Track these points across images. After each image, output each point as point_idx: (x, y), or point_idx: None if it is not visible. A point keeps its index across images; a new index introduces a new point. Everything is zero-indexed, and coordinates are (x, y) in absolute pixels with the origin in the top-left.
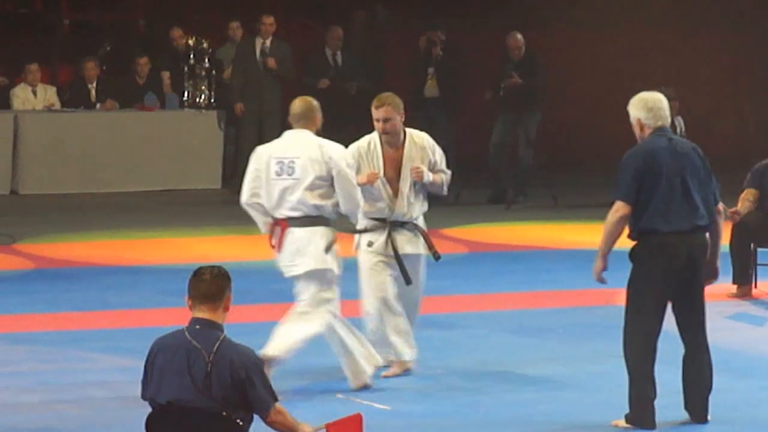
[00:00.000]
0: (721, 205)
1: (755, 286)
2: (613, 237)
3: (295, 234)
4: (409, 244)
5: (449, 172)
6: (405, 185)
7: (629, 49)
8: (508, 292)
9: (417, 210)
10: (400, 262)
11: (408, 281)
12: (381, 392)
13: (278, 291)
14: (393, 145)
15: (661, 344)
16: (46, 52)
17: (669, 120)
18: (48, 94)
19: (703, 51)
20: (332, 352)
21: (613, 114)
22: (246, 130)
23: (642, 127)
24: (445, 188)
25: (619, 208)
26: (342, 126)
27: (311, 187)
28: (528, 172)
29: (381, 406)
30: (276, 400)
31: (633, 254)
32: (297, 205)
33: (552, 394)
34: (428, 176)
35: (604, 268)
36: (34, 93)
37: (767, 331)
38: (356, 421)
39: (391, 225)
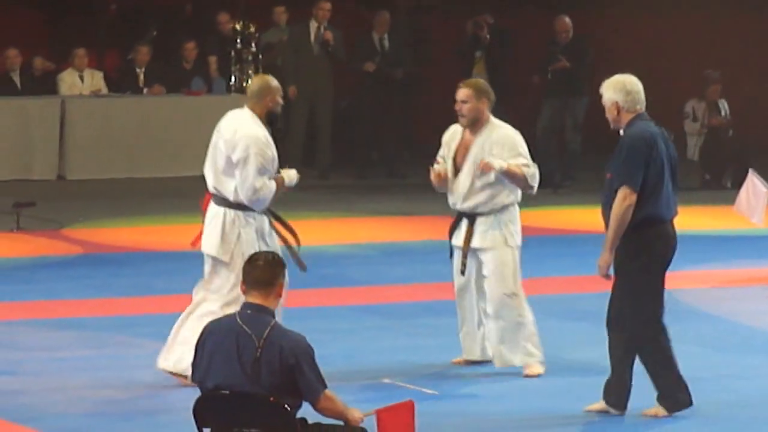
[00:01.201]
0: None
1: None
2: (623, 227)
3: (210, 210)
4: (479, 236)
5: (534, 167)
6: (465, 172)
7: (676, 32)
8: (557, 276)
9: (484, 199)
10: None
11: (461, 272)
12: (429, 377)
13: (326, 276)
14: (471, 130)
15: None
16: (93, 37)
17: (644, 104)
18: (95, 79)
19: (752, 35)
20: (383, 336)
21: (660, 97)
22: (297, 113)
23: (619, 111)
24: (532, 183)
25: (627, 196)
26: (389, 110)
27: (223, 169)
28: (575, 156)
29: (429, 391)
30: (325, 386)
31: (637, 240)
32: (212, 182)
33: (601, 379)
34: (500, 165)
35: (611, 262)
36: (81, 78)
37: None
38: (408, 407)
39: (462, 215)
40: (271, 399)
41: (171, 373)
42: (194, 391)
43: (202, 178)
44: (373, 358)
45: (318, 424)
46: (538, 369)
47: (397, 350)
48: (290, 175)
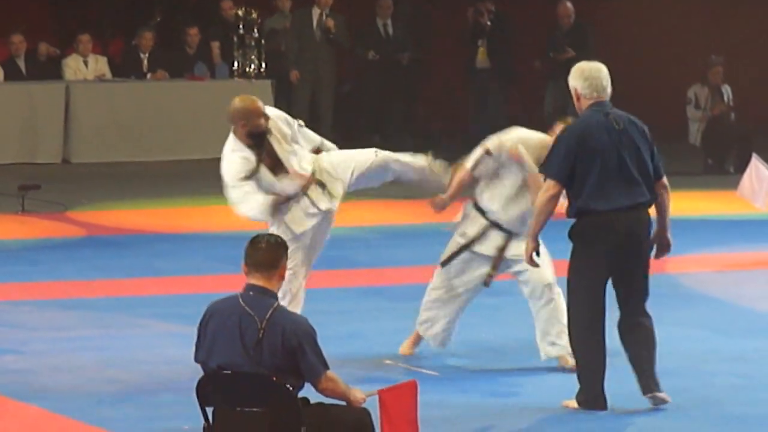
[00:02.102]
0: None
1: None
2: (544, 216)
3: None
4: (517, 245)
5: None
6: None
7: (679, 17)
8: (557, 259)
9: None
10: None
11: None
12: (430, 358)
13: (329, 258)
14: None
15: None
16: (97, 22)
17: (608, 91)
18: (99, 65)
19: (755, 20)
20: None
21: (662, 82)
22: (299, 98)
23: (579, 98)
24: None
25: (550, 188)
26: (393, 95)
27: None
28: None
29: (430, 372)
30: (327, 367)
31: (572, 233)
32: None
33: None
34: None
35: (535, 249)
36: (86, 63)
37: None
38: (411, 388)
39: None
40: (274, 379)
41: None
42: (197, 371)
43: (205, 161)
44: (375, 339)
45: (320, 404)
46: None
47: (400, 332)
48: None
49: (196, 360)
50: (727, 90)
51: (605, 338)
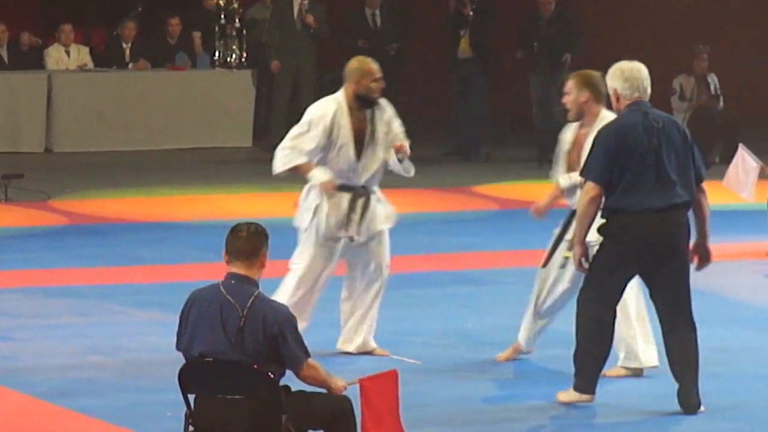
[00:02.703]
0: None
1: None
2: (587, 220)
3: None
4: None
5: None
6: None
7: (664, 5)
8: (537, 249)
9: None
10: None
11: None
12: (412, 347)
13: None
14: (582, 125)
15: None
16: (79, 12)
17: (648, 91)
18: (81, 54)
19: (741, 10)
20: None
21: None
22: (280, 88)
23: (618, 98)
24: None
25: (590, 190)
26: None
27: None
28: (559, 129)
29: (412, 361)
30: (308, 355)
31: (602, 230)
32: None
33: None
34: None
35: (583, 254)
36: (68, 53)
37: None
38: (392, 376)
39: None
40: (255, 367)
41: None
42: (179, 359)
43: (187, 151)
44: None
45: (301, 392)
46: None
47: (381, 320)
48: (317, 175)
49: (178, 348)
50: (713, 79)
51: (612, 332)
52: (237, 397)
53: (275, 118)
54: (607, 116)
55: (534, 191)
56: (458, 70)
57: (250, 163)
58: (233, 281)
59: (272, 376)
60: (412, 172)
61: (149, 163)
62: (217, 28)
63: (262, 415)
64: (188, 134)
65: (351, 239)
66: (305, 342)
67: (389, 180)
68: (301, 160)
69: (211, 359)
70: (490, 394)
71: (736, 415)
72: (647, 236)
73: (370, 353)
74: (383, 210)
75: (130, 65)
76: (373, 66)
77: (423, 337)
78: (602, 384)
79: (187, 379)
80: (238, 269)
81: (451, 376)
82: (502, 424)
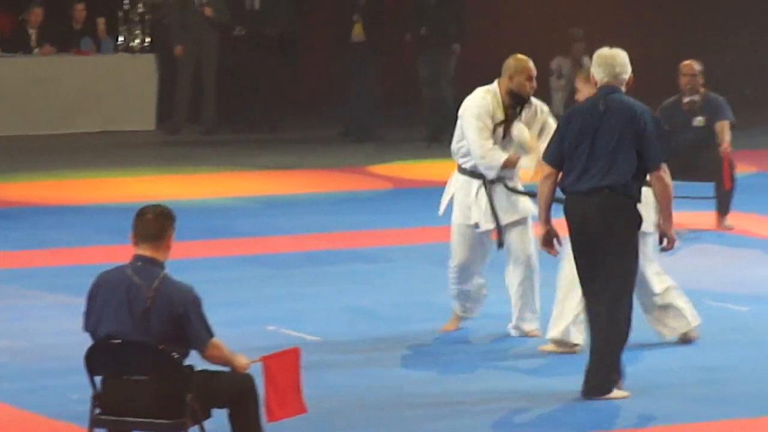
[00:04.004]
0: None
1: None
2: (541, 199)
3: None
4: None
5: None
6: None
7: None
8: (429, 226)
9: None
10: None
11: None
12: (310, 323)
13: (211, 228)
14: None
15: None
16: None
17: (621, 77)
18: None
19: None
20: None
21: (525, 54)
22: (182, 72)
23: (596, 83)
24: None
25: (543, 169)
26: (266, 68)
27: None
28: (449, 110)
29: (311, 337)
30: (212, 335)
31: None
32: None
33: (470, 321)
34: None
35: (548, 233)
36: None
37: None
38: (293, 354)
39: None
40: (161, 347)
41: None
42: (87, 341)
43: (92, 135)
44: (258, 306)
45: (205, 371)
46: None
47: (281, 298)
48: (522, 162)
49: (85, 329)
50: (588, 61)
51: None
52: (143, 377)
53: (178, 101)
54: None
55: (425, 170)
56: (352, 54)
57: (154, 146)
58: (140, 263)
59: (177, 356)
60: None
61: (55, 147)
62: (120, 13)
63: (167, 394)
64: (93, 118)
65: (476, 226)
66: (209, 322)
67: (286, 161)
68: (505, 154)
69: (117, 340)
70: (387, 368)
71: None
72: (574, 217)
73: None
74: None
75: (36, 50)
76: (529, 65)
77: (321, 314)
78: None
79: (93, 361)
80: (144, 251)
81: (350, 351)
82: (401, 397)
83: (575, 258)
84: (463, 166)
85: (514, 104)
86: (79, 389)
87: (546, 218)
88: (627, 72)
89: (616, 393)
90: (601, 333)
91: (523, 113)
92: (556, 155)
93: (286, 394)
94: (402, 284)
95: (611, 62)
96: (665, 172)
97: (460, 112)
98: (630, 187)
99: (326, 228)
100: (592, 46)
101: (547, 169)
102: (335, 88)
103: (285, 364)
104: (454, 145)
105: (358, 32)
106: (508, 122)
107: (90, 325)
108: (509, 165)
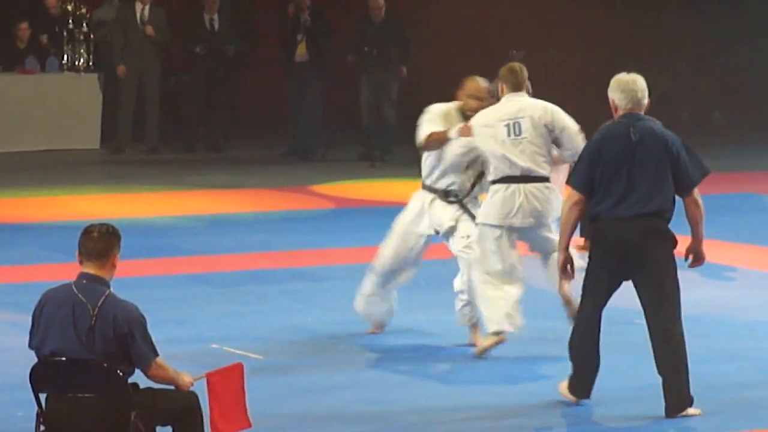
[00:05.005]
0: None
1: None
2: (567, 225)
3: None
4: None
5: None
6: None
7: (490, 11)
8: (372, 245)
9: None
10: None
11: None
12: (254, 341)
13: (155, 247)
14: None
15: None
16: None
17: (642, 103)
18: None
19: (556, 15)
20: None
21: (469, 74)
22: (126, 91)
23: (616, 109)
24: None
25: (571, 195)
26: (216, 87)
27: None
28: (393, 131)
29: (254, 356)
30: (156, 354)
31: (591, 236)
32: None
33: (414, 342)
34: None
35: (568, 261)
36: None
37: None
38: (237, 369)
39: None
40: (105, 365)
41: None
42: (31, 359)
43: (36, 153)
44: (201, 324)
45: (149, 389)
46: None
47: (225, 317)
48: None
49: (30, 347)
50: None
51: (597, 339)
52: (87, 395)
53: (121, 120)
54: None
55: (368, 190)
56: (295, 73)
57: (99, 165)
58: (85, 281)
59: (121, 374)
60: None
61: None
62: (65, 33)
63: (111, 412)
64: (38, 137)
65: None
66: (154, 340)
67: (230, 180)
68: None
69: (61, 358)
70: (329, 385)
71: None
72: (615, 243)
73: None
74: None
75: None
76: (480, 85)
77: (263, 333)
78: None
79: (38, 378)
80: (89, 269)
81: (292, 369)
82: (342, 415)
83: (597, 274)
84: (426, 182)
85: (465, 121)
86: (25, 406)
87: (567, 245)
88: (647, 97)
89: (691, 410)
90: (678, 350)
91: None
92: (586, 182)
93: (231, 409)
94: (344, 303)
95: (633, 88)
96: (698, 195)
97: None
98: (670, 212)
99: (269, 247)
100: (531, 68)
101: (576, 196)
102: (279, 108)
103: (229, 379)
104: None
105: (302, 51)
106: None
107: (35, 343)
108: (438, 138)
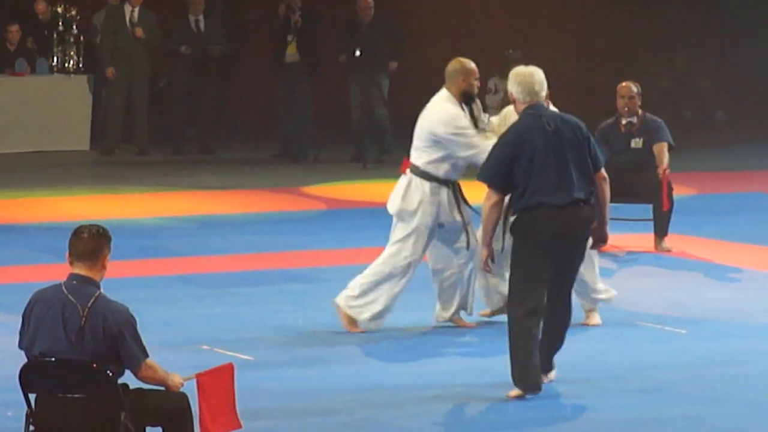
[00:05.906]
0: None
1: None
2: (489, 223)
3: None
4: None
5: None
6: None
7: (480, 12)
8: (363, 247)
9: None
10: None
11: None
12: (245, 344)
13: (145, 247)
14: None
15: None
16: None
17: (541, 94)
18: None
19: (551, 15)
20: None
21: None
22: (115, 93)
23: (515, 102)
24: None
25: (490, 195)
26: (205, 88)
27: (415, 144)
28: (386, 131)
29: (245, 357)
30: (146, 355)
31: (511, 229)
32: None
33: (404, 342)
34: None
35: (489, 255)
36: None
37: (614, 282)
38: (227, 370)
39: None
40: (94, 366)
41: None
42: (21, 359)
43: (26, 155)
44: (192, 325)
45: (140, 390)
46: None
47: (215, 318)
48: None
49: (20, 347)
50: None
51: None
52: (77, 395)
53: (110, 122)
54: None
55: (359, 191)
56: (285, 74)
57: (88, 166)
58: (75, 282)
59: (111, 375)
60: None
61: None
62: (55, 35)
63: (101, 413)
64: (27, 138)
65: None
66: (144, 342)
67: (220, 181)
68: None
69: (51, 358)
70: (320, 387)
71: None
72: (550, 230)
73: None
74: None
75: None
76: (474, 66)
77: (255, 334)
78: None
79: (27, 379)
80: (80, 270)
81: (284, 370)
82: (332, 416)
83: (540, 264)
84: (435, 174)
85: (467, 103)
86: (15, 406)
87: (489, 241)
88: (545, 89)
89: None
90: (564, 321)
91: (475, 110)
92: (503, 180)
93: (221, 410)
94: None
95: (530, 80)
96: (605, 173)
97: (434, 127)
98: (594, 195)
99: (260, 248)
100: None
101: (495, 197)
102: (270, 109)
103: (219, 380)
104: (426, 158)
105: (292, 52)
106: (473, 120)
107: (25, 343)
108: None
